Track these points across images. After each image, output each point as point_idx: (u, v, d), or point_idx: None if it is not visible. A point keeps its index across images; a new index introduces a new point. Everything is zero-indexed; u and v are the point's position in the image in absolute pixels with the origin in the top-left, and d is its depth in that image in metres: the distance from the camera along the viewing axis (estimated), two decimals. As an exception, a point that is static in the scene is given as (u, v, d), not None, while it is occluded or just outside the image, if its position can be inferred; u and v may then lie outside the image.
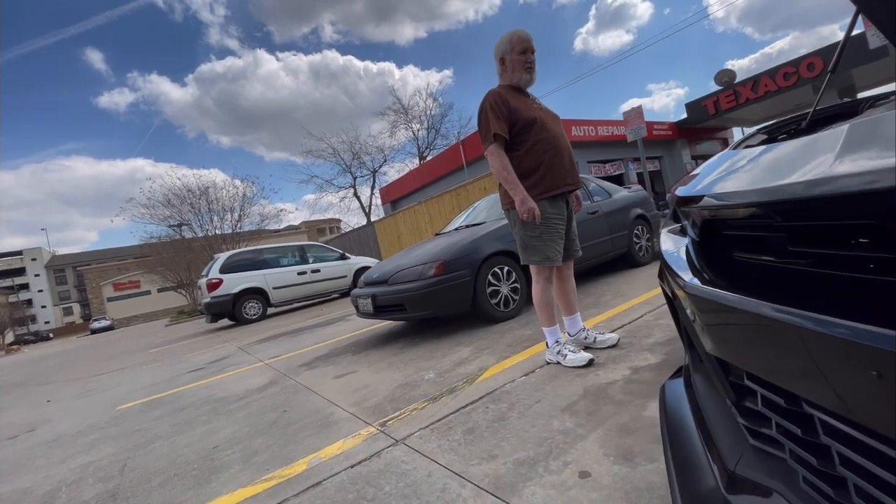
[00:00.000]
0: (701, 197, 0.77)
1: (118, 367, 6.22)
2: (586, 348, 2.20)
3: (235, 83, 55.50)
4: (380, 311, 3.38)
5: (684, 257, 0.88)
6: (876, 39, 4.89)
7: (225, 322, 9.77)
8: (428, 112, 27.23)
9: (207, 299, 8.49)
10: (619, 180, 14.38)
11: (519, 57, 2.03)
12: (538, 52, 2.09)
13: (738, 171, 0.73)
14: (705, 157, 18.93)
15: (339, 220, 34.93)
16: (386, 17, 53.65)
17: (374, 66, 55.60)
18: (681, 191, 0.99)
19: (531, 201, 1.94)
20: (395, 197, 21.49)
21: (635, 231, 4.65)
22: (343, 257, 9.76)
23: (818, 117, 1.05)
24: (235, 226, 24.40)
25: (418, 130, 27.60)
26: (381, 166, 27.57)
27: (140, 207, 22.12)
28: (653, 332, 2.27)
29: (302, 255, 9.47)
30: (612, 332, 2.41)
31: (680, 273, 0.75)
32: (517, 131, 2.00)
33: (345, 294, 9.64)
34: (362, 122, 63.95)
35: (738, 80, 14.52)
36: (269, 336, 5.81)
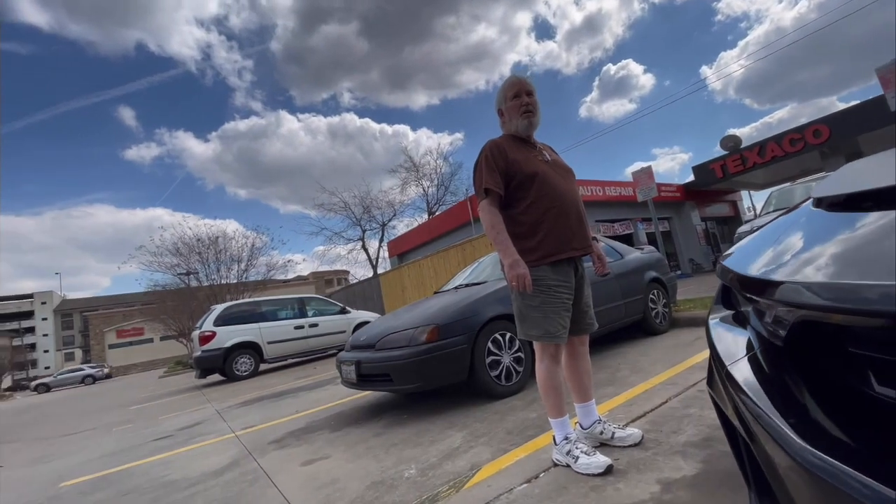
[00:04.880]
0: (790, 284, 0.47)
1: (90, 427, 5.75)
2: (601, 444, 1.80)
3: (256, 140, 58.19)
4: (364, 380, 2.99)
5: (758, 375, 0.57)
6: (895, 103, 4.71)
7: (215, 377, 9.27)
8: (438, 170, 27.91)
9: (198, 353, 8.09)
10: (628, 239, 14.13)
11: (513, 102, 1.82)
12: (545, 107, 1.89)
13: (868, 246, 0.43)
14: (716, 219, 18.76)
15: (346, 272, 34.81)
16: (400, 86, 57.33)
17: (389, 129, 58.38)
18: (738, 265, 0.68)
19: (522, 266, 1.64)
20: (403, 250, 21.42)
21: (650, 296, 4.29)
22: (343, 311, 9.40)
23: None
24: (241, 275, 24.40)
25: (428, 187, 28.14)
26: (390, 220, 27.84)
27: (149, 255, 22.30)
28: (682, 426, 1.86)
29: (301, 308, 9.15)
30: (633, 422, 2.01)
31: (769, 415, 0.44)
32: (516, 185, 1.75)
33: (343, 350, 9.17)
34: (375, 178, 66.00)
35: (743, 145, 14.66)
36: (252, 399, 5.35)
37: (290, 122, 63.67)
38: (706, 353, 2.87)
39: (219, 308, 8.64)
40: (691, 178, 16.11)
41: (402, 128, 58.24)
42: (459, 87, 58.77)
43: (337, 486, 1.95)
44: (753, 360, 0.62)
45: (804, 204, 0.71)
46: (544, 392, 1.73)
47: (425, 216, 27.26)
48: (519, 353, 3.06)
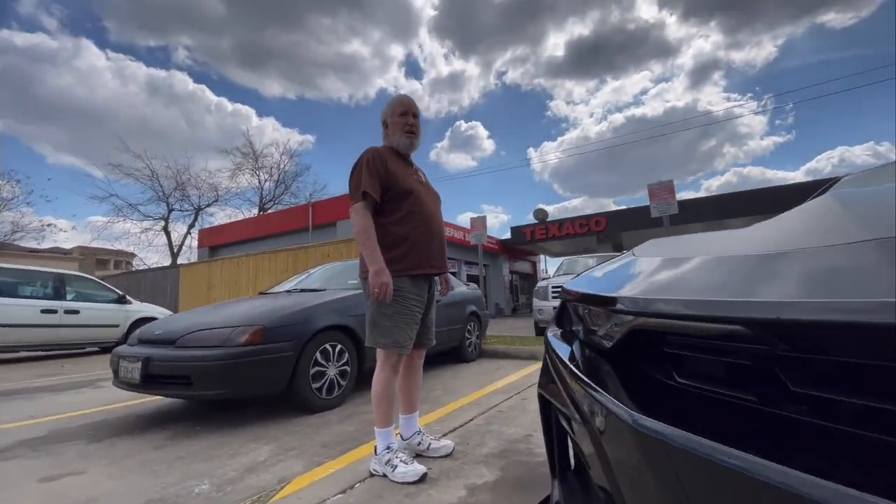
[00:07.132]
0: (629, 299, 0.65)
1: None
2: (418, 455, 1.90)
3: (35, 64, 43.61)
4: (151, 381, 2.45)
5: (589, 370, 0.74)
6: (656, 212, 6.59)
7: None
8: (281, 166, 25.88)
9: None
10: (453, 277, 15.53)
11: (399, 119, 1.92)
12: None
13: (692, 274, 0.63)
14: (520, 273, 22.34)
15: (131, 255, 28.27)
16: (254, 66, 52.16)
17: (230, 105, 51.76)
18: (584, 287, 0.88)
19: (387, 275, 1.70)
20: (218, 243, 18.73)
21: (468, 327, 4.79)
22: (122, 300, 7.57)
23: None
24: (-32, 231, 17.57)
25: (265, 181, 25.71)
26: (209, 205, 24.18)
27: None
28: (486, 440, 2.12)
29: (57, 288, 6.97)
30: (445, 435, 2.19)
31: (614, 399, 0.58)
32: (390, 197, 1.81)
33: (110, 349, 7.28)
34: (199, 154, 56.86)
35: (548, 219, 18.10)
36: (-56, 399, 3.75)
37: (94, 58, 50.04)
38: (508, 380, 3.35)
39: None
40: (508, 235, 18.91)
41: (246, 109, 52.22)
42: (320, 90, 56.81)
43: (92, 508, 1.53)
44: (584, 360, 0.80)
45: (628, 254, 0.97)
46: (377, 400, 1.75)
47: (255, 211, 24.65)
48: (345, 367, 3.00)
